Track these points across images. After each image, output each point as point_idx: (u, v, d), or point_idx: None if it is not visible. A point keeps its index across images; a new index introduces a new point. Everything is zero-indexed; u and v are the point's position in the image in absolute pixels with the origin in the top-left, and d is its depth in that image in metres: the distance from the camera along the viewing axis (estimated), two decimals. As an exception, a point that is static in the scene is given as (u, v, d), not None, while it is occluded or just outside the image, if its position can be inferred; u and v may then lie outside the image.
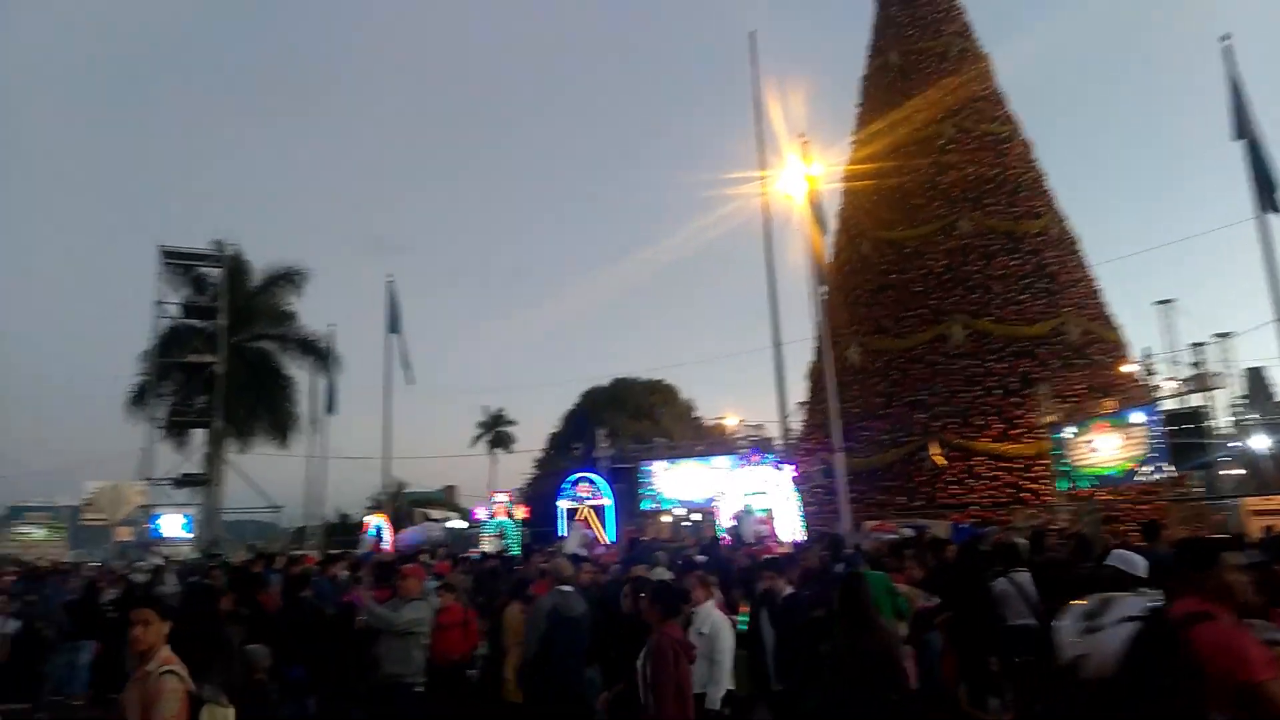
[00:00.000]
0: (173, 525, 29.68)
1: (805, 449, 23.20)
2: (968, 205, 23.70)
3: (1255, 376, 21.40)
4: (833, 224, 24.98)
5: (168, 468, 30.78)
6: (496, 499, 22.97)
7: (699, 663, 6.00)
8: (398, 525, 25.50)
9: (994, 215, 23.57)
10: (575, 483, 23.14)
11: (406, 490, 41.37)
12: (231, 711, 4.60)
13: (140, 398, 31.47)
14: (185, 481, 30.67)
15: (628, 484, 24.60)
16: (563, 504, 22.94)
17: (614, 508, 22.42)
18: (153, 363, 30.96)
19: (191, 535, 29.34)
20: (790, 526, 17.40)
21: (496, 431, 55.88)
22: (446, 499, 47.25)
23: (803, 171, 19.32)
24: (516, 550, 17.91)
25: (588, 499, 22.60)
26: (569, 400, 51.78)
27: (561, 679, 6.98)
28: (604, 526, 21.79)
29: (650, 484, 24.35)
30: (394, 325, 28.79)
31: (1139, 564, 5.73)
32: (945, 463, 20.39)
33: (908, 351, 22.80)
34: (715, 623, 6.41)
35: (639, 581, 7.43)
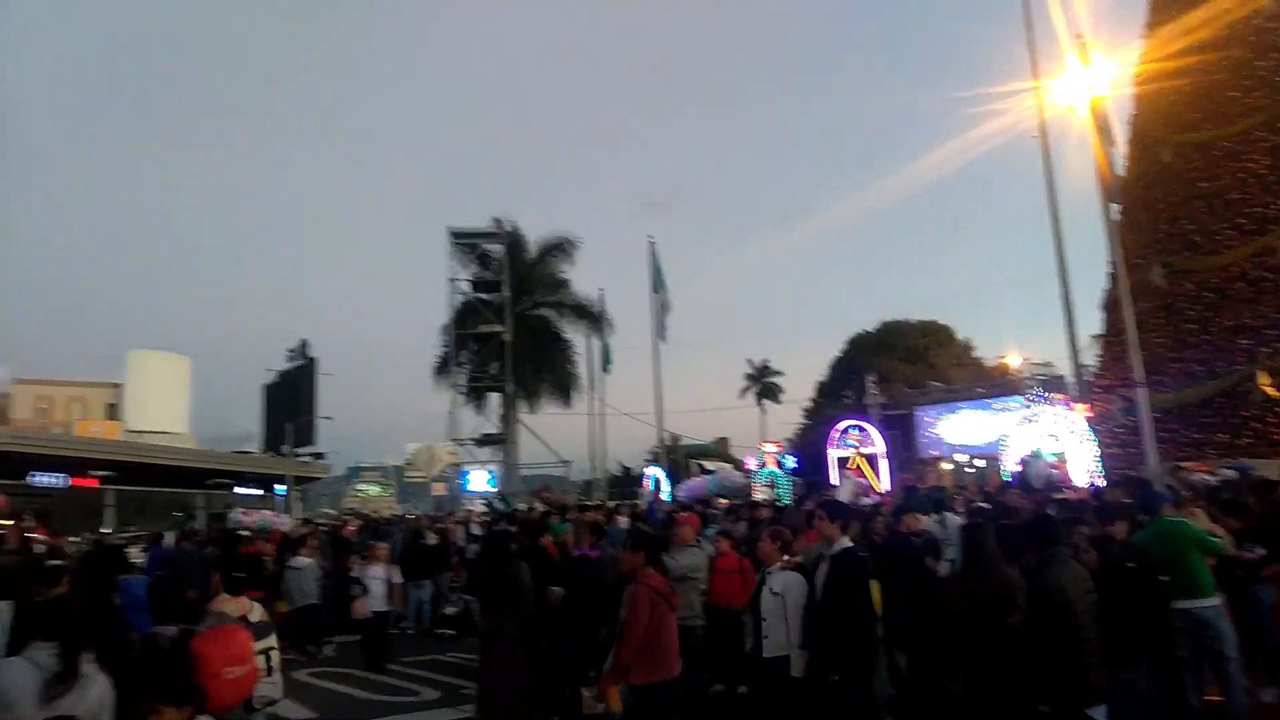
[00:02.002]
0: (479, 480, 33.07)
1: (1102, 386, 21.11)
2: (1296, 90, 20.12)
3: None
4: (1123, 133, 22.28)
5: (470, 429, 34.24)
6: (766, 449, 23.11)
7: (776, 625, 5.83)
8: (674, 477, 26.50)
9: (1335, 98, 19.85)
10: (845, 431, 22.71)
11: (681, 443, 42.90)
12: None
13: (443, 367, 35.09)
14: (485, 441, 33.98)
15: (901, 431, 23.81)
16: (833, 453, 22.61)
17: (887, 456, 21.78)
18: (451, 335, 34.36)
19: (495, 489, 32.45)
20: (1085, 470, 15.95)
21: (764, 383, 56.24)
22: (719, 450, 48.38)
23: (1084, 77, 17.31)
24: (786, 500, 17.96)
25: (859, 447, 22.10)
26: (836, 347, 50.85)
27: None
28: (877, 475, 21.25)
29: (926, 430, 23.38)
30: (656, 285, 29.70)
31: None
32: (1276, 394, 17.66)
33: (1225, 269, 19.93)
34: (788, 583, 5.98)
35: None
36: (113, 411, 66.36)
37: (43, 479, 32.27)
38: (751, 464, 23.82)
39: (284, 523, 25.33)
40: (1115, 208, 18.28)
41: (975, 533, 6.07)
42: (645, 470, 27.98)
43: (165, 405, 65.60)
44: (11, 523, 11.95)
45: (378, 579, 11.68)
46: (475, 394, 35.12)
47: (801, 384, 65.04)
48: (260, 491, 42.76)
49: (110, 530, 30.84)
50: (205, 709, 3.51)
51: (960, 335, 50.10)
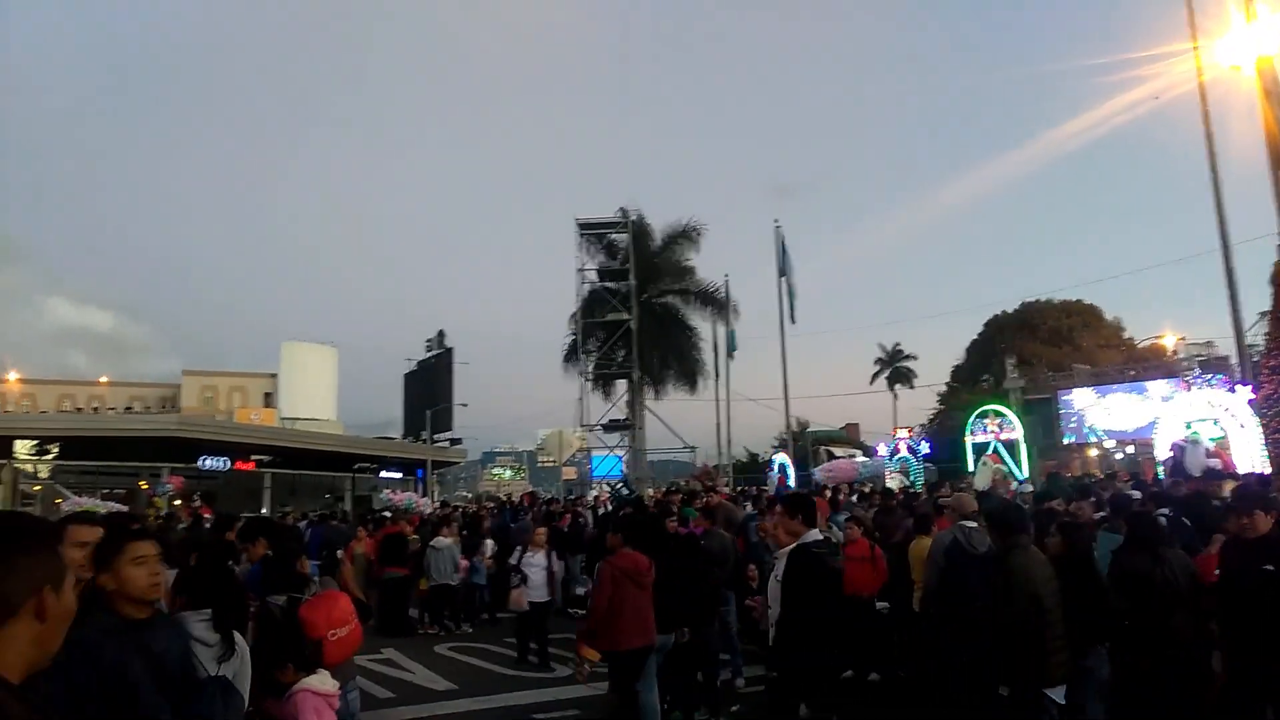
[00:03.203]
0: (607, 465, 33.73)
1: (1270, 366, 19.41)
2: None
3: None
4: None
5: (598, 415, 34.82)
6: (898, 435, 22.45)
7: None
8: (802, 463, 26.18)
9: None
10: (983, 416, 21.74)
11: (809, 429, 42.26)
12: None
13: (572, 355, 35.76)
14: (612, 427, 34.44)
15: (1043, 416, 22.61)
16: (969, 439, 21.70)
17: (1028, 442, 20.72)
18: (579, 323, 34.97)
19: (623, 474, 32.94)
20: (1250, 456, 14.77)
21: (895, 367, 54.68)
22: (848, 436, 47.41)
23: (1250, 34, 15.92)
24: (919, 487, 17.42)
25: (997, 433, 21.12)
26: (972, 330, 48.83)
27: (962, 615, 6.77)
28: (1016, 462, 20.27)
29: (1070, 415, 22.13)
30: (782, 269, 29.35)
31: None
32: None
33: None
34: None
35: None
36: (269, 400, 71.17)
37: (209, 462, 34.91)
38: (883, 450, 23.23)
39: (425, 504, 26.54)
40: (1286, 173, 16.77)
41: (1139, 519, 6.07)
42: (772, 456, 27.77)
43: (316, 394, 69.78)
44: (180, 501, 13.06)
45: (538, 567, 10.79)
46: (603, 381, 35.64)
47: (936, 368, 62.69)
48: (401, 475, 44.90)
49: (267, 510, 33.07)
50: (323, 666, 4.17)
51: (1109, 315, 47.25)
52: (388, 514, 17.71)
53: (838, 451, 30.58)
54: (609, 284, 35.24)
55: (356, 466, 43.08)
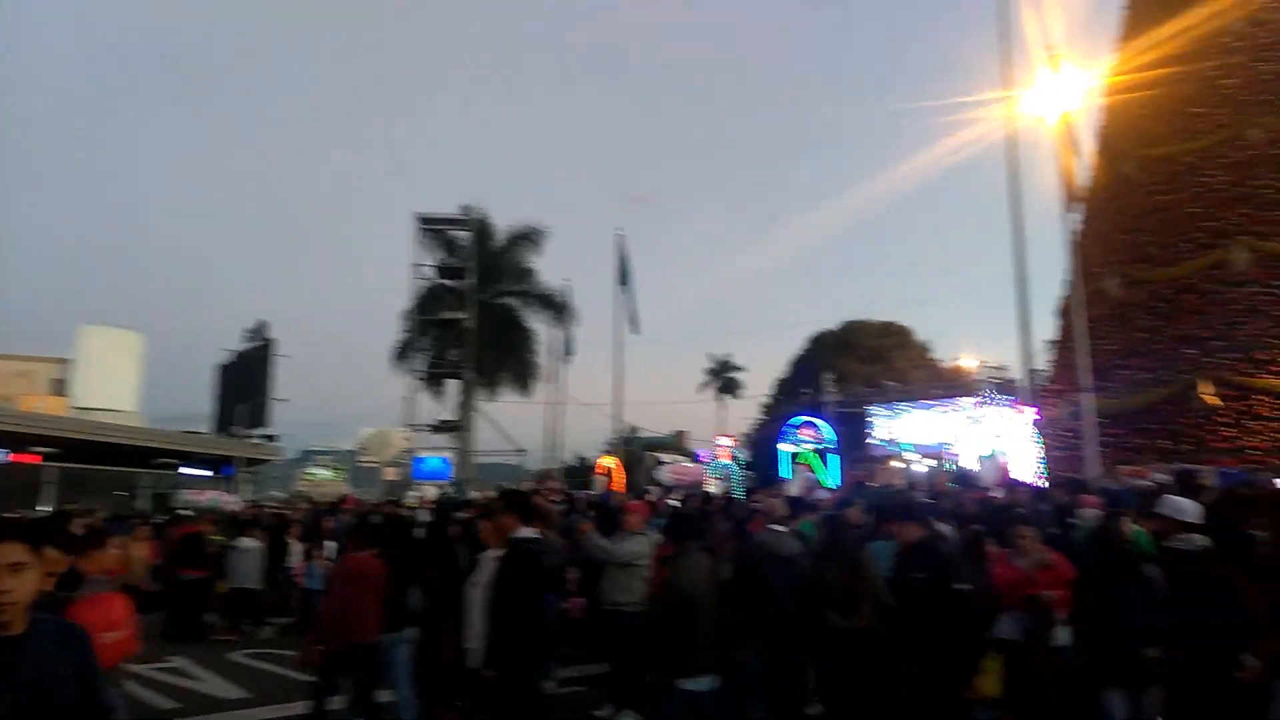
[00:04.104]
0: (433, 467, 32.83)
1: (1054, 391, 21.46)
2: (1258, 109, 20.53)
3: None
4: (1089, 144, 22.64)
5: (427, 415, 33.90)
6: (720, 443, 23.20)
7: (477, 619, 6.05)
8: (630, 468, 26.51)
9: (1293, 118, 20.30)
10: (798, 427, 22.87)
11: (639, 435, 42.92)
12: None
13: (403, 352, 34.71)
14: (441, 427, 33.63)
15: (855, 428, 24.00)
16: (784, 447, 22.77)
17: (838, 452, 21.97)
18: (412, 320, 33.99)
19: (449, 476, 32.20)
20: (1029, 472, 16.23)
21: (725, 378, 56.45)
22: (677, 443, 48.50)
23: (1054, 88, 17.55)
24: (739, 493, 18.03)
25: (810, 443, 22.28)
26: (799, 345, 51.21)
27: (771, 615, 7.03)
28: (826, 471, 21.43)
29: (879, 428, 23.61)
30: (623, 278, 29.64)
31: (1188, 509, 6.08)
32: (1219, 403, 18.09)
33: (1178, 280, 20.32)
34: None
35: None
36: (59, 387, 64.72)
37: (-21, 453, 31.40)
38: (705, 457, 23.90)
39: (232, 504, 24.94)
40: (1076, 217, 18.58)
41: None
42: (600, 460, 27.97)
43: (115, 382, 64.06)
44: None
45: None
46: (434, 380, 34.78)
47: (764, 381, 65.41)
48: (209, 473, 42.00)
49: (49, 508, 30.06)
50: None
51: (920, 337, 50.79)
52: (188, 512, 16.55)
53: (665, 458, 31.17)
54: (447, 281, 34.47)
55: (156, 462, 39.94)
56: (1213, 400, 18.25)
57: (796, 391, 37.04)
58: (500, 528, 5.14)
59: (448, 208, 35.19)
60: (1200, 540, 6.11)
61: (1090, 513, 8.15)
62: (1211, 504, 7.25)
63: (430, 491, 25.51)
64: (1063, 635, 5.85)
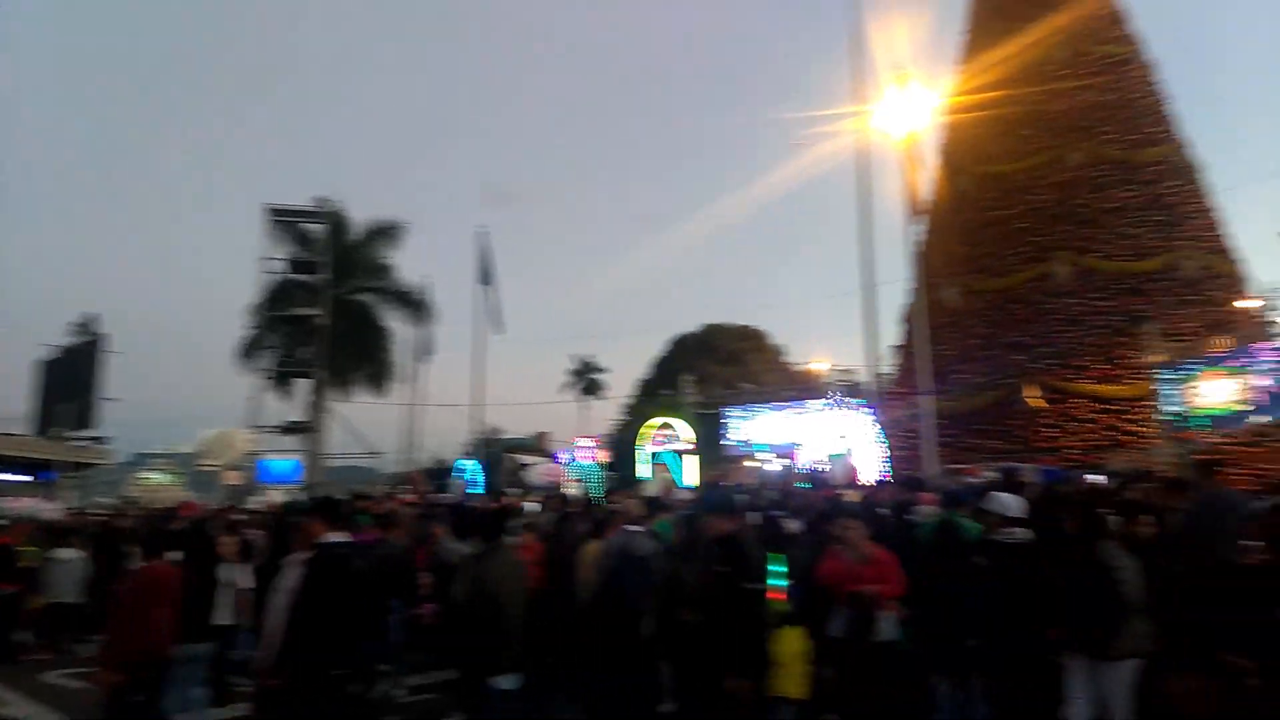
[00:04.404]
0: (280, 470, 31.24)
1: (897, 393, 22.63)
2: (1080, 135, 22.37)
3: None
4: (932, 160, 24.01)
5: (274, 416, 32.28)
6: (580, 444, 23.23)
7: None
8: (490, 470, 26.13)
9: (1108, 144, 22.20)
10: (657, 428, 23.20)
11: (500, 436, 42.36)
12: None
13: (249, 350, 32.93)
14: (290, 429, 32.07)
15: (712, 429, 24.53)
16: (643, 449, 23.06)
17: (697, 453, 22.43)
18: (260, 316, 32.30)
19: (299, 480, 30.77)
20: (873, 470, 17.05)
21: (587, 379, 56.61)
22: (539, 444, 48.22)
23: (900, 106, 18.46)
24: (599, 493, 18.10)
25: (670, 444, 22.65)
26: (661, 347, 51.95)
27: (627, 615, 7.06)
28: (685, 471, 21.83)
29: (734, 429, 24.23)
30: (485, 276, 29.17)
31: (1012, 505, 6.45)
32: (1043, 405, 19.57)
33: (1008, 291, 21.86)
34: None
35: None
36: None
37: None
38: (565, 457, 23.86)
39: (52, 511, 23.00)
40: (919, 229, 19.65)
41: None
42: (460, 462, 27.45)
43: (-83, 378, 58.00)
44: None
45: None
46: (283, 379, 33.13)
47: (627, 381, 65.93)
48: (28, 478, 38.56)
49: None
50: None
51: (775, 341, 52.57)
52: (3, 521, 15.13)
53: (527, 459, 30.90)
54: (298, 276, 32.92)
55: (-37, 466, 36.31)
56: (1037, 403, 19.71)
57: (657, 392, 37.55)
58: (307, 533, 4.96)
59: (301, 199, 33.70)
60: (1022, 534, 6.56)
61: (928, 509, 8.60)
62: (1033, 500, 7.81)
63: (276, 496, 24.33)
64: (887, 629, 6.07)
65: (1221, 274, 21.20)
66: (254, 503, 21.35)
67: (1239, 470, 15.19)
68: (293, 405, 33.12)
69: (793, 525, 8.24)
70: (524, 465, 30.12)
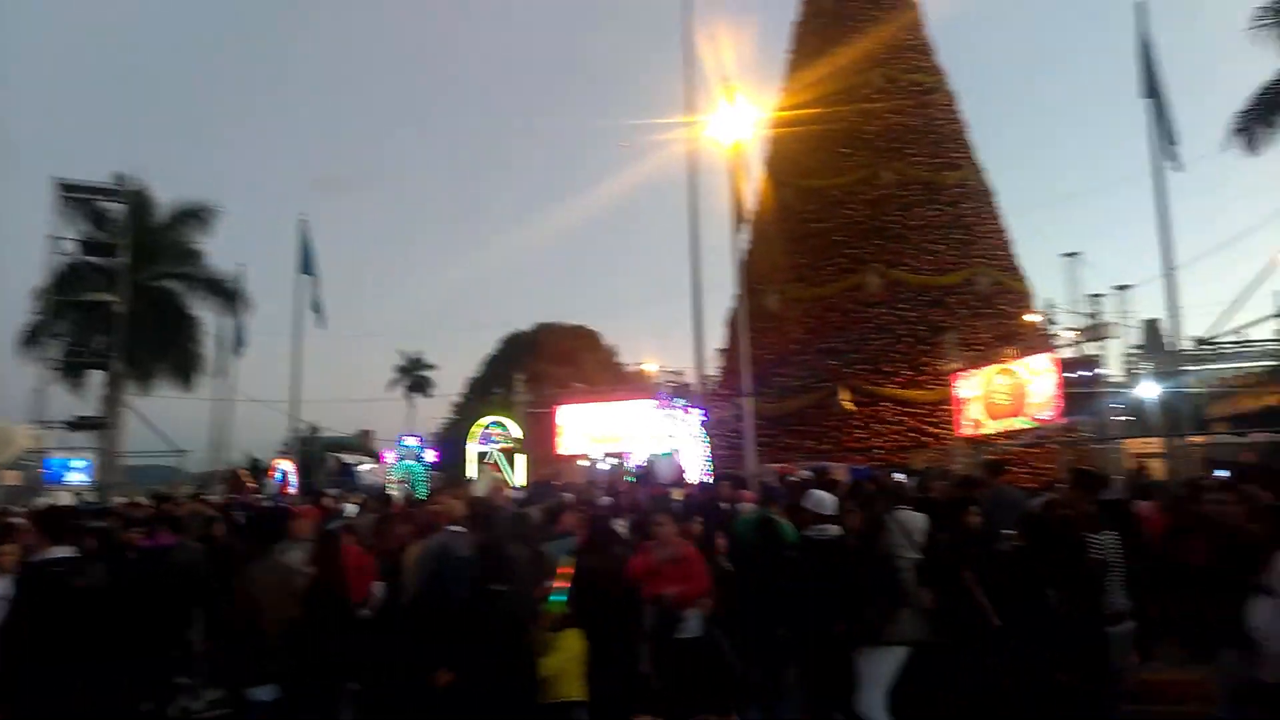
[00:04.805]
0: (68, 470, 28.48)
1: (721, 394, 23.41)
2: (891, 155, 23.90)
3: (1150, 327, 22.44)
4: (758, 171, 24.98)
5: (63, 411, 29.40)
6: (406, 442, 22.62)
7: None
8: (307, 470, 24.98)
9: (916, 166, 23.84)
10: (487, 427, 22.97)
11: (320, 434, 40.56)
12: None
13: (33, 337, 29.89)
14: (80, 424, 29.32)
15: (544, 429, 24.52)
16: (472, 447, 22.77)
17: (526, 452, 22.39)
18: (47, 301, 29.34)
19: (91, 480, 28.20)
20: (697, 469, 17.59)
21: (415, 376, 55.15)
22: (362, 443, 46.54)
23: (728, 117, 19.06)
24: (423, 493, 17.69)
25: (498, 443, 22.48)
26: (492, 345, 51.40)
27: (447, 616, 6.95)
28: (513, 470, 21.73)
29: (566, 429, 24.32)
30: (306, 266, 27.84)
31: (827, 502, 6.68)
32: (854, 408, 20.83)
33: (824, 299, 23.08)
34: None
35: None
36: None
37: None
38: (389, 457, 23.16)
39: None
40: (745, 237, 20.40)
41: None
42: (275, 462, 26.08)
43: None
44: None
45: None
46: (73, 370, 30.24)
47: (457, 380, 64.68)
48: None
49: None
50: None
51: (607, 341, 53.19)
52: None
53: (349, 458, 29.80)
54: (93, 259, 30.11)
55: None
56: (849, 406, 20.96)
57: (488, 391, 37.11)
58: (24, 547, 4.57)
59: (99, 175, 30.89)
60: (834, 530, 6.94)
61: (747, 506, 8.96)
62: (843, 498, 8.30)
63: (64, 498, 22.20)
64: (693, 626, 6.22)
65: (1011, 290, 23.28)
66: (40, 504, 19.35)
67: (1023, 470, 16.79)
68: (85, 399, 30.34)
69: (620, 525, 8.36)
70: (347, 465, 28.99)
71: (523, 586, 5.55)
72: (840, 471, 12.57)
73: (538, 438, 23.83)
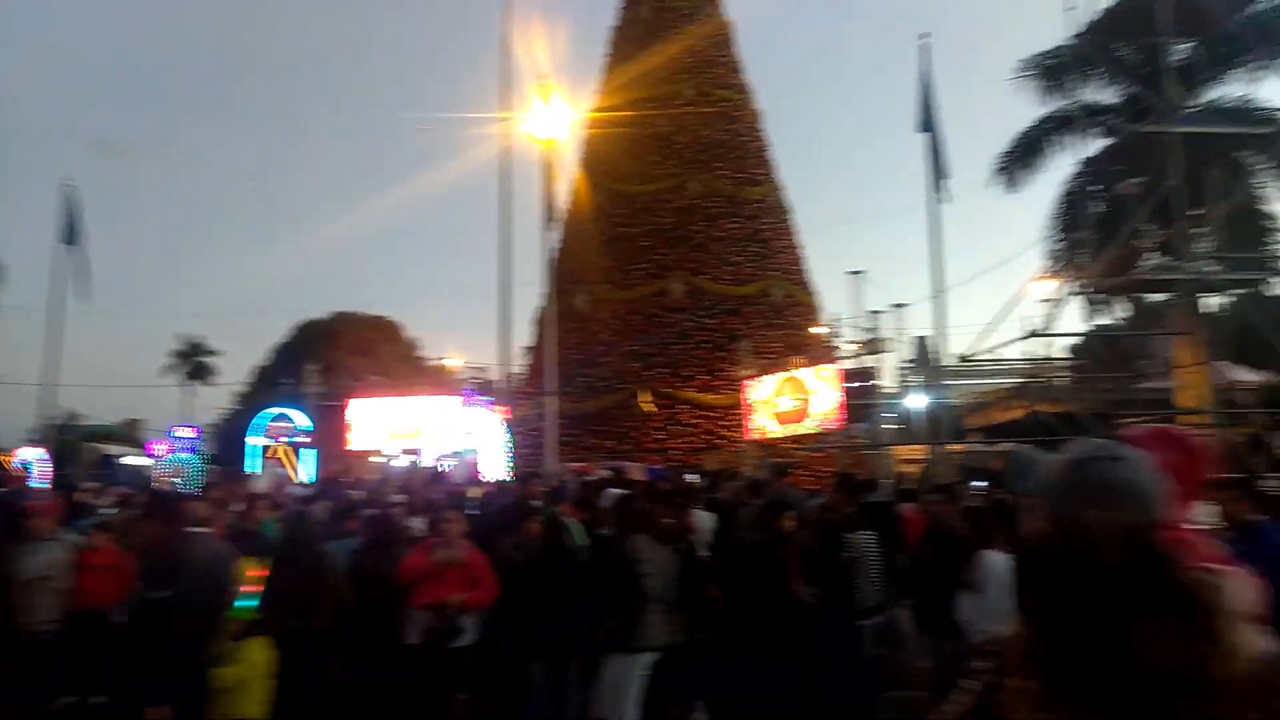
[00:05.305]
0: None
1: (525, 392, 23.31)
2: (698, 167, 24.66)
3: (921, 344, 24.56)
4: (572, 171, 25.09)
5: None
6: (178, 434, 20.87)
7: None
8: (62, 460, 22.47)
9: (721, 179, 24.72)
10: (272, 419, 21.61)
11: (78, 422, 36.64)
12: None
13: None
14: None
15: (337, 422, 23.40)
16: (254, 440, 21.37)
17: (315, 446, 21.26)
18: None
19: None
20: (498, 468, 17.42)
21: (195, 362, 51.16)
22: (127, 433, 42.53)
23: (543, 115, 19.01)
24: (196, 488, 16.39)
25: (285, 436, 21.24)
26: (285, 333, 48.43)
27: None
28: (300, 465, 20.59)
29: (359, 423, 23.34)
30: (70, 236, 25.06)
31: None
32: (654, 409, 21.37)
33: (630, 303, 23.50)
34: None
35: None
36: None
37: None
38: (159, 449, 21.31)
39: None
40: (556, 235, 20.42)
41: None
42: (21, 451, 23.28)
43: None
44: None
45: None
46: None
47: (242, 368, 60.22)
48: None
49: None
50: None
51: (410, 334, 51.51)
52: None
53: (111, 449, 27.08)
54: None
55: None
56: (649, 407, 21.48)
57: (277, 381, 34.97)
58: None
59: None
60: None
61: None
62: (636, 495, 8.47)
63: None
64: (468, 634, 6.09)
65: (802, 303, 24.69)
66: None
67: (806, 473, 17.83)
68: None
69: (416, 522, 8.11)
70: (108, 456, 26.43)
71: (196, 592, 4.81)
72: (637, 471, 12.83)
73: (329, 432, 22.71)
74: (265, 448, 21.23)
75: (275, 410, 22.12)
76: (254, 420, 22.25)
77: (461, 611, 5.94)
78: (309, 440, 21.33)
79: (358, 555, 6.29)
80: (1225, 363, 16.93)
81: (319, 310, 51.99)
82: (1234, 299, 17.19)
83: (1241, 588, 1.67)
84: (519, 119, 19.62)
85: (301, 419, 21.70)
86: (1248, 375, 18.46)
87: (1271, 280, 18.43)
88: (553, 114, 19.00)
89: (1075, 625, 1.21)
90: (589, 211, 25.12)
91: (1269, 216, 18.12)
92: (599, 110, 26.11)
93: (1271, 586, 1.76)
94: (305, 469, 20.67)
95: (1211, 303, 17.57)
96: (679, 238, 23.87)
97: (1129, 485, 1.56)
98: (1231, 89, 17.98)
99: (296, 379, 26.75)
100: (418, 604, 5.87)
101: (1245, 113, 17.30)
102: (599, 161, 25.81)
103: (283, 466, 19.31)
